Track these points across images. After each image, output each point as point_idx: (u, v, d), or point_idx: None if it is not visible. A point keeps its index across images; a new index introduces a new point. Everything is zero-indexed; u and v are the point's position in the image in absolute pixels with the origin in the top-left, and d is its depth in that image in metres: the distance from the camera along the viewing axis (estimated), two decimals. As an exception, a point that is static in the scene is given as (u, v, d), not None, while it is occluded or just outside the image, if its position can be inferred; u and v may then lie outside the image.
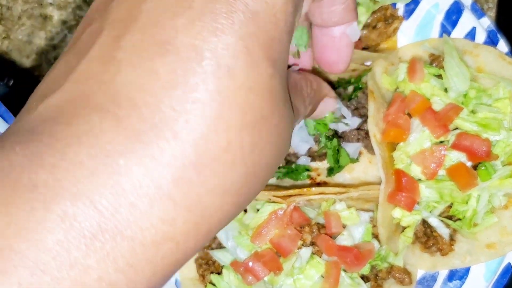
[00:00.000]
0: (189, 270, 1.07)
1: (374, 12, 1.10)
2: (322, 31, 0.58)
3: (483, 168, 0.99)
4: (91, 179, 0.30)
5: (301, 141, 1.05)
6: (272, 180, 1.08)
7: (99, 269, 0.30)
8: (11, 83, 1.07)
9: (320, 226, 1.03)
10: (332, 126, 1.06)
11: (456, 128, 1.01)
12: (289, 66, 0.59)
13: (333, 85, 1.06)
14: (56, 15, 1.22)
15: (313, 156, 1.08)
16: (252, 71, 0.35)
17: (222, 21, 0.34)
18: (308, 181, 1.06)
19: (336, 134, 1.07)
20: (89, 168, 0.31)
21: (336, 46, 0.58)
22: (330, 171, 1.05)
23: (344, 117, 1.06)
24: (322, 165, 1.08)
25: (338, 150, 1.04)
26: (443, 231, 1.03)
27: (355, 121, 1.08)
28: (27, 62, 1.21)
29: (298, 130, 1.06)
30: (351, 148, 1.05)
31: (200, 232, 0.34)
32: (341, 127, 1.07)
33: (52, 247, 0.29)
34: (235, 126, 0.34)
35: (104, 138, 0.31)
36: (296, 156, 1.08)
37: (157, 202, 0.32)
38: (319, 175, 1.08)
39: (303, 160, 1.06)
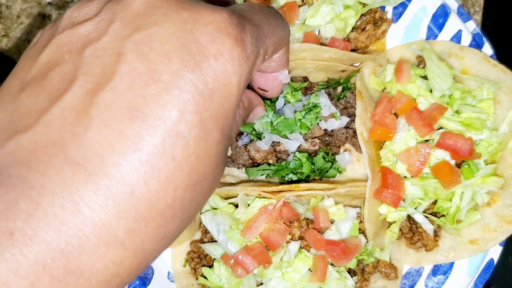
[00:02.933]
0: (181, 263, 1.10)
1: (363, 15, 1.13)
2: (260, 74, 0.70)
3: (466, 166, 1.02)
4: (61, 228, 0.35)
5: (292, 140, 1.08)
6: (262, 177, 1.11)
7: None
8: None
9: (309, 221, 1.05)
10: (323, 125, 1.10)
11: (441, 128, 1.04)
12: None
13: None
14: (55, 14, 1.24)
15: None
16: (203, 142, 0.41)
17: (185, 96, 0.39)
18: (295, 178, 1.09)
19: (327, 145, 1.11)
20: (59, 218, 0.35)
21: (270, 86, 0.71)
22: (323, 172, 1.09)
23: (335, 116, 1.10)
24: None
25: (332, 162, 1.08)
26: (428, 227, 1.06)
27: (343, 121, 1.11)
28: (25, 60, 1.23)
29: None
30: (343, 162, 1.10)
31: (139, 269, 0.41)
32: (330, 125, 1.10)
33: None
34: (181, 186, 0.40)
35: (75, 191, 0.36)
36: (287, 153, 1.11)
37: (112, 248, 0.37)
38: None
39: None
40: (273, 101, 1.08)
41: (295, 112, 1.08)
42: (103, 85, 0.39)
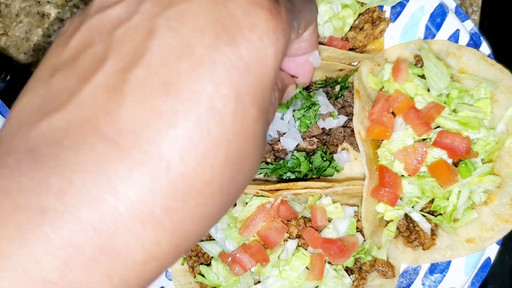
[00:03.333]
0: (179, 261, 1.10)
1: (361, 14, 1.13)
2: (290, 58, 0.66)
3: (463, 165, 1.02)
4: (95, 206, 0.34)
5: (290, 138, 1.08)
6: (260, 176, 1.11)
7: (98, 287, 0.34)
8: (8, 78, 1.10)
9: (306, 220, 1.06)
10: (321, 124, 1.10)
11: (438, 126, 1.05)
12: None
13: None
14: (53, 13, 1.25)
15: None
16: (240, 117, 0.39)
17: (220, 70, 0.38)
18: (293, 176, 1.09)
19: (324, 143, 1.11)
20: (92, 195, 0.34)
21: (301, 70, 0.67)
22: (321, 171, 1.09)
23: (332, 115, 1.10)
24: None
25: (330, 161, 1.08)
26: (425, 225, 1.06)
27: (341, 119, 1.12)
28: (24, 58, 1.24)
29: (287, 127, 1.10)
30: (341, 161, 1.10)
31: (179, 251, 0.39)
32: (328, 124, 1.10)
33: (58, 268, 0.33)
34: (219, 164, 0.39)
35: (108, 167, 0.35)
36: (285, 152, 1.11)
37: (149, 227, 0.36)
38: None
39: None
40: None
41: (293, 110, 1.08)
42: (135, 63, 0.38)
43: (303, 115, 1.07)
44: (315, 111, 1.06)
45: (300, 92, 1.05)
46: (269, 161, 1.10)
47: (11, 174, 0.34)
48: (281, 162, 1.09)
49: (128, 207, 0.34)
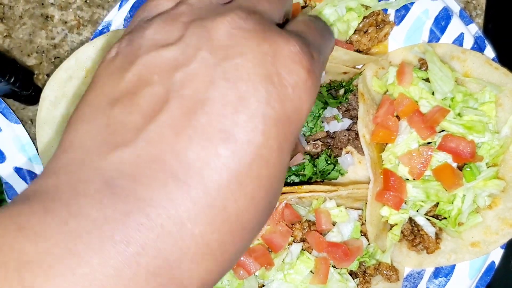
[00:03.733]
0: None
1: (365, 17, 1.13)
2: None
3: (468, 169, 1.02)
4: (167, 239, 0.37)
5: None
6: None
7: None
8: (11, 80, 1.09)
9: (311, 223, 1.06)
10: (325, 127, 1.10)
11: (443, 130, 1.05)
12: None
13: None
14: (57, 15, 1.25)
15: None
16: (278, 165, 0.43)
17: (269, 122, 0.42)
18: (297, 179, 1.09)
19: (328, 147, 1.11)
20: (166, 229, 0.37)
21: None
22: (326, 175, 1.09)
23: (337, 118, 1.10)
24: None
25: (334, 164, 1.09)
26: (429, 229, 1.06)
27: (345, 123, 1.12)
28: (28, 60, 1.24)
29: None
30: (345, 164, 1.10)
31: (220, 278, 0.43)
32: (332, 127, 1.10)
33: None
34: (261, 204, 0.43)
35: (178, 204, 0.38)
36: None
37: (207, 259, 0.39)
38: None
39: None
40: None
41: None
42: (198, 109, 0.41)
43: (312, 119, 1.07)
44: (320, 114, 1.07)
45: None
46: None
47: (95, 205, 0.37)
48: None
49: (193, 241, 0.38)
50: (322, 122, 1.10)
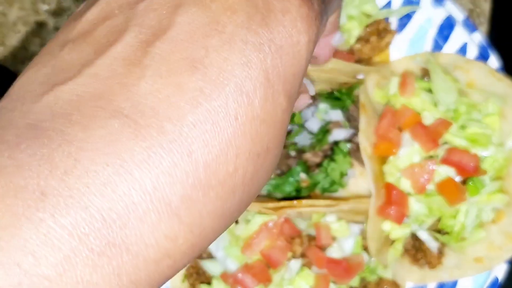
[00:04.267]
0: (180, 278, 1.08)
1: (367, 26, 1.11)
2: None
3: (471, 183, 1.00)
4: (103, 191, 0.29)
5: None
6: (263, 193, 1.09)
7: (104, 287, 0.29)
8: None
9: (311, 238, 1.03)
10: (329, 138, 1.08)
11: (446, 143, 1.02)
12: None
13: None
14: (52, 22, 1.22)
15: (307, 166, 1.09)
16: (269, 104, 0.35)
17: (250, 51, 0.34)
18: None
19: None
20: (102, 178, 0.29)
21: (321, 51, 0.61)
22: (324, 189, 1.06)
23: (345, 124, 1.08)
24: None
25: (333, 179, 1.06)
26: (432, 244, 1.04)
27: (347, 132, 1.09)
28: (22, 68, 1.21)
29: None
30: (346, 176, 1.08)
31: (195, 251, 0.34)
32: (336, 135, 1.08)
33: (58, 263, 0.28)
34: (244, 154, 0.34)
35: (122, 147, 0.30)
36: (288, 165, 1.09)
37: (165, 219, 0.31)
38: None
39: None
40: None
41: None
42: (159, 36, 0.34)
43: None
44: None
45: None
46: (272, 176, 1.08)
47: (8, 150, 0.29)
48: (283, 177, 1.07)
49: (142, 194, 0.29)
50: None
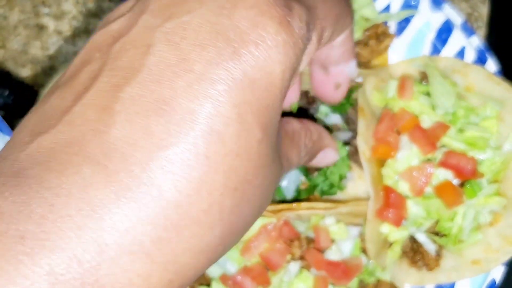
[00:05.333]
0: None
1: (366, 30, 1.12)
2: (321, 68, 0.61)
3: (468, 186, 1.01)
4: (77, 233, 0.31)
5: (290, 184, 1.07)
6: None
7: None
8: (6, 93, 1.08)
9: (309, 240, 1.04)
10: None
11: (444, 146, 1.03)
12: (289, 114, 0.59)
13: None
14: (52, 25, 1.23)
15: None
16: (242, 138, 0.36)
17: (220, 87, 0.35)
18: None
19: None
20: (76, 222, 0.31)
21: (333, 82, 0.62)
22: (323, 192, 1.07)
23: (344, 127, 1.09)
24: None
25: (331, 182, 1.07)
26: (430, 247, 1.05)
27: (346, 135, 1.10)
28: (22, 71, 1.22)
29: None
30: (344, 179, 1.08)
31: (174, 286, 0.36)
32: (335, 138, 1.08)
33: None
34: (218, 190, 0.35)
35: (94, 192, 0.32)
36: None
37: (137, 259, 0.32)
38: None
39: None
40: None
41: None
42: (129, 79, 0.35)
43: None
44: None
45: None
46: None
47: None
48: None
49: (114, 236, 0.31)
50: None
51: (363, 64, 1.13)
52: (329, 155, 0.64)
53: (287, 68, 0.39)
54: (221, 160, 0.35)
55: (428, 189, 1.02)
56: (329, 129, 1.08)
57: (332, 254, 1.02)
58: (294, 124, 0.56)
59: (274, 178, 0.42)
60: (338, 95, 0.66)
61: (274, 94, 0.38)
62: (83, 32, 1.23)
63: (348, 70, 0.62)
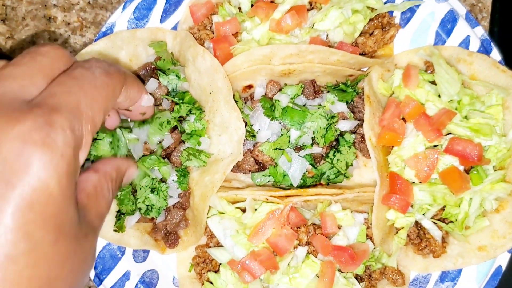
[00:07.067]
0: (187, 268, 1.09)
1: (371, 20, 1.12)
2: (124, 111, 0.78)
3: (475, 172, 1.01)
4: None
5: (297, 171, 1.08)
6: (269, 183, 1.10)
7: None
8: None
9: (316, 227, 1.05)
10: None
11: (449, 133, 1.04)
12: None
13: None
14: (60, 17, 1.24)
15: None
16: (34, 251, 0.43)
17: (2, 217, 0.42)
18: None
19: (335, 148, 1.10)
20: None
21: (138, 113, 0.81)
22: (330, 180, 1.08)
23: (350, 116, 1.10)
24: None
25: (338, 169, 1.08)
26: (436, 233, 1.05)
27: (352, 123, 1.10)
28: (30, 62, 1.23)
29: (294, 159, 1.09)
30: (350, 167, 1.09)
31: None
32: (341, 126, 1.09)
33: None
34: None
35: None
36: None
37: None
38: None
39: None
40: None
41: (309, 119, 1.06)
42: None
43: (326, 128, 1.06)
44: (335, 122, 1.07)
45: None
46: (252, 169, 1.09)
47: None
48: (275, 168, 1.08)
49: None
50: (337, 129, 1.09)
51: (368, 55, 1.14)
52: (131, 174, 0.77)
53: (62, 176, 0.46)
54: (19, 275, 0.42)
55: (434, 175, 1.03)
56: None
57: (339, 240, 1.03)
58: (92, 178, 0.63)
59: (86, 252, 0.50)
60: (146, 117, 0.85)
61: (57, 201, 0.45)
62: (91, 23, 1.24)
63: (144, 103, 0.77)
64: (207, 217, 1.04)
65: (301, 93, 1.10)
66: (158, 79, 1.05)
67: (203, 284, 1.06)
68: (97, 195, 0.62)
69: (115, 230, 1.03)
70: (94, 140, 0.97)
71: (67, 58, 0.60)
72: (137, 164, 0.88)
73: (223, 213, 1.04)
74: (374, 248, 1.05)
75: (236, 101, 1.02)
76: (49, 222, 0.44)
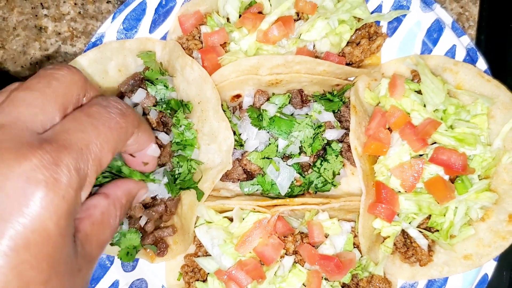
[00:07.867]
0: (175, 277, 1.10)
1: (358, 30, 1.13)
2: (129, 154, 0.76)
3: (460, 181, 1.02)
4: None
5: (285, 179, 1.09)
6: (258, 192, 1.11)
7: None
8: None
9: (304, 235, 1.05)
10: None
11: (434, 142, 1.05)
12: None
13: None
14: (51, 27, 1.25)
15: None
16: None
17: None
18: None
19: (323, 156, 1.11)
20: None
21: (141, 162, 0.79)
22: (318, 188, 1.09)
23: (336, 125, 1.10)
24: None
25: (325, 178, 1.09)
26: (422, 242, 1.06)
27: (339, 132, 1.11)
28: (21, 71, 1.24)
29: (282, 169, 1.10)
30: (338, 176, 1.10)
31: None
32: (329, 135, 1.10)
33: None
34: None
35: None
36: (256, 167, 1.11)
37: None
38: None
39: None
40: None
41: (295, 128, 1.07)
42: None
43: (312, 138, 1.07)
44: (322, 132, 1.07)
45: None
46: (240, 178, 1.10)
47: None
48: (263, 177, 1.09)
49: None
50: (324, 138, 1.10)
51: (355, 64, 1.15)
52: (140, 195, 0.78)
53: (61, 217, 0.47)
54: None
55: (420, 185, 1.03)
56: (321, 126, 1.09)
57: (326, 249, 1.03)
58: (102, 204, 0.64)
59: (78, 285, 0.51)
60: (148, 169, 0.82)
61: (53, 242, 0.46)
62: (82, 33, 1.25)
63: (150, 152, 0.76)
64: (195, 227, 1.05)
65: (289, 103, 1.11)
66: (146, 89, 1.06)
67: (191, 293, 1.06)
68: (103, 223, 0.62)
69: (111, 244, 1.03)
70: None
71: (83, 83, 0.60)
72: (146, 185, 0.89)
73: (211, 222, 1.05)
74: (361, 257, 1.06)
75: (224, 111, 1.03)
76: (42, 262, 0.45)
